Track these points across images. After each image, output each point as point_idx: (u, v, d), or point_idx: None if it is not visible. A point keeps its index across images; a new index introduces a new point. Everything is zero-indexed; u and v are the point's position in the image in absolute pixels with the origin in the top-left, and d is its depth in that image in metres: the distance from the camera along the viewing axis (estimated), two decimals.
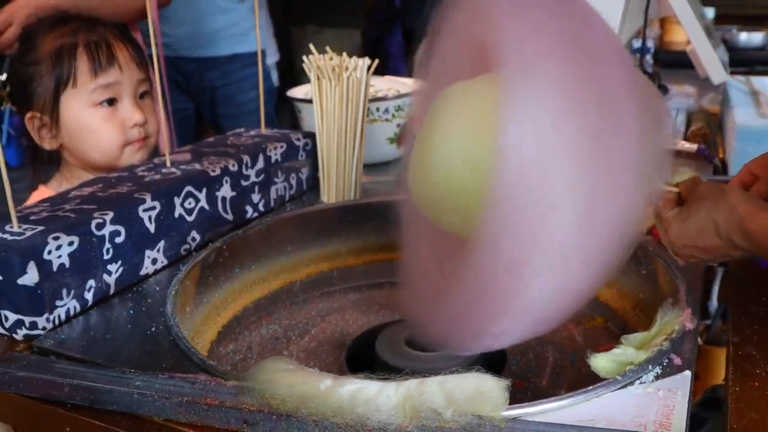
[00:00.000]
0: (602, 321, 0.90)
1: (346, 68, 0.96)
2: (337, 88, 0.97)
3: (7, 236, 0.69)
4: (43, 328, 0.68)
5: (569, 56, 0.52)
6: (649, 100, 0.59)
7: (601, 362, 0.61)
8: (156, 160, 0.94)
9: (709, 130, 1.28)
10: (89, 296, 0.73)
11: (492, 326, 0.57)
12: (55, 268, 0.68)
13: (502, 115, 0.50)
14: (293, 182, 1.05)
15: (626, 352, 0.61)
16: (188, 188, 0.85)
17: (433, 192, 0.61)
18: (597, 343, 0.87)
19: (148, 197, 0.79)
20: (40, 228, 0.71)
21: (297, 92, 1.27)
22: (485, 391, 0.51)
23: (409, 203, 0.69)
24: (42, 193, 1.06)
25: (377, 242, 1.03)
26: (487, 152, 0.53)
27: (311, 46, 1.02)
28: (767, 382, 0.58)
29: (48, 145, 1.05)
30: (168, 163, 0.91)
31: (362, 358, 0.83)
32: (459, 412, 0.50)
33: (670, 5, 1.42)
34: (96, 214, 0.74)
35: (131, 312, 0.73)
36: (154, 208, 0.80)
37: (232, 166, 0.92)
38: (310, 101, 1.18)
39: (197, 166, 0.90)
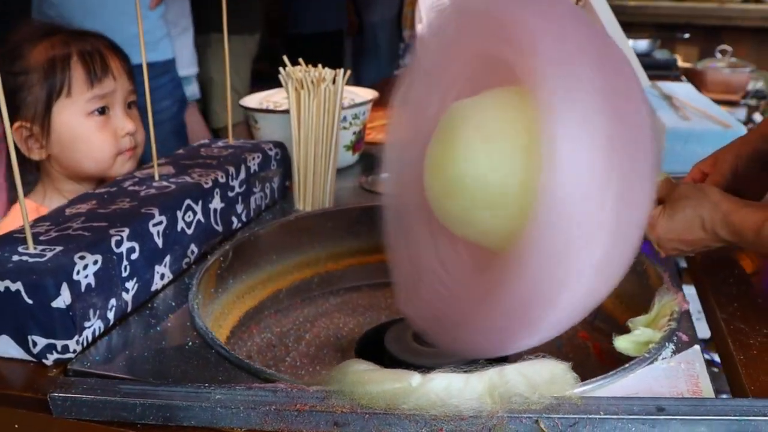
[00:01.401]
0: None
1: (324, 79, 0.99)
2: (315, 99, 0.99)
3: (28, 258, 0.66)
4: (73, 351, 0.66)
5: (607, 84, 0.53)
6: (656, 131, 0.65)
7: (624, 343, 0.69)
8: (139, 174, 0.92)
9: None
10: (111, 315, 0.72)
11: (519, 339, 0.59)
12: (83, 289, 0.67)
13: (552, 136, 0.50)
14: (267, 192, 1.06)
15: (645, 332, 0.69)
16: (188, 201, 0.84)
17: (457, 203, 0.61)
18: (572, 329, 0.95)
19: (156, 212, 0.78)
20: (60, 248, 0.69)
21: (249, 102, 1.27)
22: (558, 374, 0.57)
23: (403, 210, 0.71)
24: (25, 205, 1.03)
25: (354, 247, 1.07)
26: (526, 167, 0.54)
27: (285, 58, 1.03)
28: (763, 349, 0.67)
29: (36, 155, 1.03)
30: (156, 176, 0.89)
31: (371, 357, 0.86)
32: (541, 395, 0.55)
33: None
34: (112, 231, 0.73)
35: (158, 328, 0.72)
36: (161, 222, 0.79)
37: (221, 178, 0.92)
38: (266, 111, 1.20)
39: (188, 178, 0.89)
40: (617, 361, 0.86)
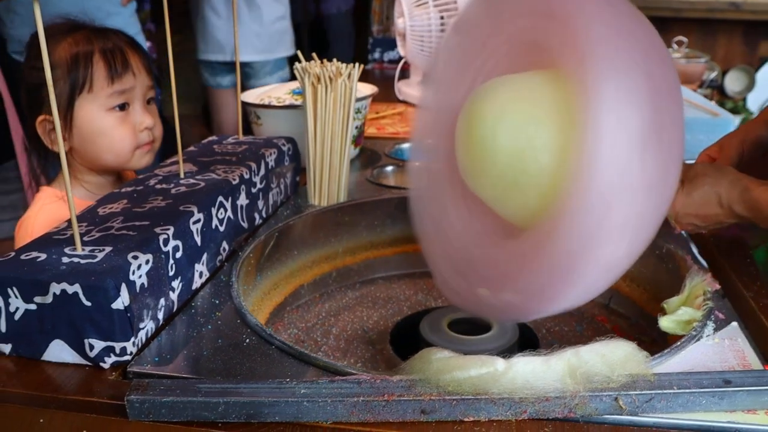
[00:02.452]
0: None
1: (340, 74, 0.99)
2: (332, 93, 0.99)
3: (79, 260, 0.65)
4: (130, 353, 0.65)
5: (653, 69, 0.54)
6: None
7: (668, 323, 0.72)
8: (160, 172, 0.91)
9: None
10: (161, 315, 0.71)
11: (554, 303, 0.58)
12: (137, 289, 0.66)
13: (594, 116, 0.51)
14: (282, 187, 1.06)
15: (687, 311, 0.72)
16: (220, 198, 0.83)
17: (488, 177, 0.61)
18: (590, 313, 0.99)
19: (194, 209, 0.78)
20: (109, 248, 0.67)
21: (248, 97, 1.26)
22: (630, 353, 0.59)
23: (434, 183, 0.71)
24: (48, 193, 1.07)
25: (370, 240, 1.07)
26: (563, 144, 0.55)
27: (299, 53, 1.03)
28: None
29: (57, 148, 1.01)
30: (182, 174, 0.88)
31: (407, 346, 0.87)
32: (618, 374, 0.57)
33: None
34: (158, 230, 0.72)
35: (209, 327, 0.71)
36: (199, 220, 0.78)
37: (246, 174, 0.91)
38: (268, 107, 1.19)
39: (213, 175, 0.89)
40: (638, 341, 0.90)
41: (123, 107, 1.05)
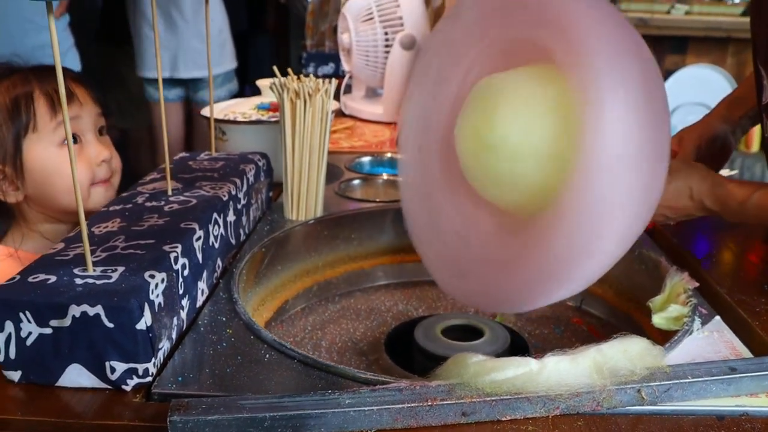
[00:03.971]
0: None
1: (318, 89, 1.00)
2: (310, 109, 1.00)
3: (94, 281, 0.63)
4: (151, 374, 0.64)
5: (644, 66, 0.57)
6: None
7: (660, 320, 0.77)
8: (144, 189, 0.89)
9: None
10: (174, 335, 0.69)
11: (550, 294, 0.61)
12: (156, 309, 0.64)
13: (592, 111, 0.53)
14: (259, 203, 1.05)
15: (676, 308, 0.77)
16: (214, 215, 0.83)
17: (494, 167, 0.62)
18: (564, 316, 1.03)
19: (196, 226, 0.77)
20: (122, 268, 0.66)
21: (208, 111, 1.24)
22: (646, 347, 0.63)
23: (426, 178, 0.72)
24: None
25: (346, 254, 1.09)
26: (562, 135, 0.57)
27: (274, 68, 1.03)
28: (767, 309, 0.78)
29: (12, 197, 0.97)
30: (169, 191, 0.87)
31: (402, 354, 0.88)
32: (639, 367, 0.61)
33: None
34: (166, 248, 0.70)
35: (224, 344, 0.70)
36: (200, 237, 0.77)
37: (232, 190, 0.90)
38: (236, 122, 1.19)
39: (202, 192, 0.88)
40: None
41: (75, 140, 0.98)
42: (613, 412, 0.60)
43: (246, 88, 3.13)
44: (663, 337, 0.75)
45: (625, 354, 0.61)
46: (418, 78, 0.73)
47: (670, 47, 3.08)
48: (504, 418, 0.59)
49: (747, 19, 2.82)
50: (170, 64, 2.52)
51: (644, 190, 0.57)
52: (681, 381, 0.61)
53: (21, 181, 0.96)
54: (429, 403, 0.57)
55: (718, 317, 0.77)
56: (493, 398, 0.58)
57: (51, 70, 0.98)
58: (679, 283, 0.83)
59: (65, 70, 1.02)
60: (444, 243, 0.71)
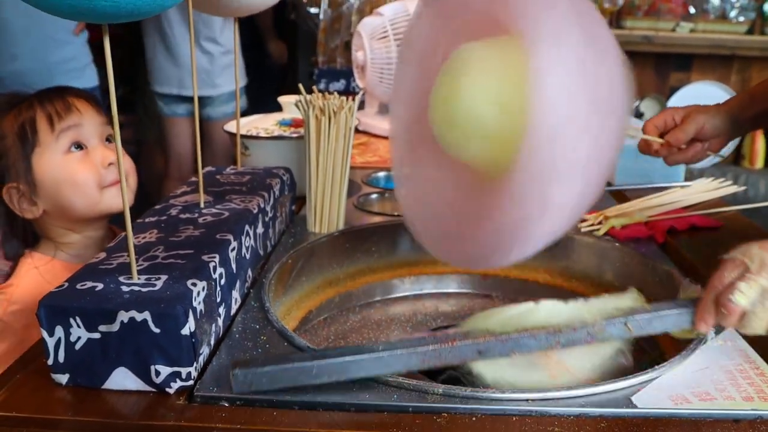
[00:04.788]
0: None
1: (342, 107, 1.04)
2: (334, 126, 1.04)
3: (140, 288, 0.67)
4: (193, 378, 0.67)
5: (586, 32, 0.61)
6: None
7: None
8: (176, 202, 0.92)
9: None
10: (212, 341, 0.73)
11: (513, 250, 0.66)
12: (198, 315, 0.68)
13: (538, 68, 0.58)
14: (283, 216, 1.09)
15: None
16: (246, 227, 0.86)
17: (459, 133, 0.68)
18: None
19: (231, 237, 0.80)
20: (165, 276, 0.69)
21: (232, 128, 1.28)
22: (627, 294, 0.76)
23: (410, 138, 0.79)
24: (36, 259, 1.03)
25: (367, 266, 1.12)
26: (521, 97, 0.60)
27: (300, 86, 1.07)
28: None
29: (30, 214, 1.01)
30: (202, 203, 0.90)
31: None
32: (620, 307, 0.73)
33: None
34: (205, 258, 0.74)
35: (259, 350, 0.74)
36: (234, 248, 0.81)
37: (261, 203, 0.94)
38: (256, 138, 1.22)
39: (233, 205, 0.91)
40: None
41: (80, 147, 1.00)
42: (635, 414, 0.64)
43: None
44: (677, 347, 0.78)
45: (606, 302, 0.74)
46: (402, 60, 0.80)
47: (674, 65, 3.13)
48: (513, 354, 0.68)
49: (751, 37, 2.86)
50: (177, 82, 2.57)
51: (596, 146, 0.60)
52: (661, 313, 0.72)
53: (36, 197, 0.99)
54: (450, 344, 0.67)
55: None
56: (502, 337, 0.68)
57: (51, 91, 1.03)
58: (692, 294, 0.87)
59: (69, 88, 1.06)
60: (427, 209, 0.78)
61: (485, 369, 0.71)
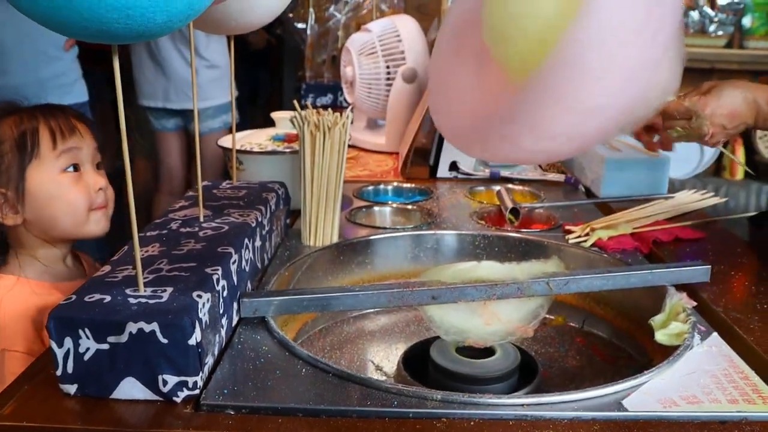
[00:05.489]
0: (562, 319, 1.12)
1: (336, 122, 1.07)
2: (329, 141, 1.06)
3: (147, 300, 0.69)
4: (199, 387, 0.69)
5: None
6: None
7: (663, 337, 0.83)
8: (176, 216, 0.94)
9: (560, 163, 1.61)
10: (216, 351, 0.75)
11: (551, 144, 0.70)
12: (204, 326, 0.70)
13: None
14: (279, 230, 1.11)
15: (677, 326, 0.83)
16: (245, 240, 0.88)
17: (507, 28, 0.73)
18: (569, 335, 1.09)
19: (232, 250, 0.82)
20: (170, 288, 0.71)
21: (227, 143, 1.31)
22: (551, 262, 0.91)
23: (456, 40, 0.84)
24: (6, 281, 1.04)
25: (360, 277, 1.14)
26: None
27: (294, 102, 1.10)
28: (763, 330, 0.84)
29: (11, 221, 1.04)
30: (201, 217, 0.92)
31: (418, 368, 0.94)
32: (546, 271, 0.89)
33: None
34: (209, 270, 0.76)
35: (262, 360, 0.76)
36: (235, 261, 0.83)
37: (258, 217, 0.96)
38: (250, 152, 1.25)
39: (231, 218, 0.93)
40: (615, 358, 1.02)
41: (75, 168, 1.05)
42: (626, 417, 0.66)
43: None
44: (665, 354, 0.81)
45: (533, 266, 0.89)
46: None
47: None
48: (459, 301, 0.85)
49: (730, 51, 2.91)
50: (163, 95, 2.59)
51: (634, 59, 0.62)
52: (575, 277, 0.87)
53: (21, 206, 1.03)
54: (410, 289, 0.84)
55: (715, 333, 0.83)
56: (451, 286, 0.84)
57: (55, 108, 1.08)
58: (678, 303, 0.90)
59: (70, 107, 1.11)
60: (454, 104, 0.84)
61: (435, 312, 0.86)
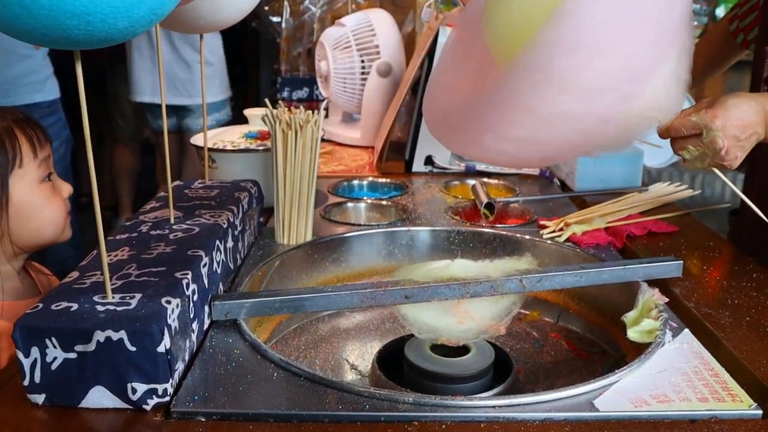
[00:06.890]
0: (537, 314, 1.13)
1: (308, 120, 1.06)
2: (301, 139, 1.05)
3: (114, 307, 0.68)
4: (169, 394, 0.68)
5: None
6: None
7: (635, 334, 0.83)
8: (146, 218, 0.93)
9: None
10: (186, 356, 0.74)
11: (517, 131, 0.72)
12: (173, 332, 0.69)
13: None
14: (252, 229, 1.10)
15: (649, 323, 0.84)
16: (217, 242, 0.87)
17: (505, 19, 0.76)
18: (543, 331, 1.10)
19: (202, 253, 0.81)
20: (139, 295, 0.70)
21: (199, 141, 1.29)
22: (523, 260, 0.91)
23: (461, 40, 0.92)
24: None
25: (335, 275, 1.14)
26: None
27: (266, 100, 1.09)
28: (734, 326, 0.85)
29: None
30: (172, 219, 0.91)
31: (392, 367, 0.93)
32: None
33: None
34: (178, 275, 0.75)
35: (234, 364, 0.75)
36: (206, 264, 0.82)
37: (230, 218, 0.95)
38: (223, 150, 1.23)
39: (203, 220, 0.92)
40: (589, 353, 1.02)
41: (49, 177, 1.04)
42: (597, 417, 0.67)
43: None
44: (638, 349, 0.82)
45: (506, 263, 0.89)
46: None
47: None
48: (432, 300, 0.85)
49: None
50: (151, 89, 2.56)
51: (609, 69, 0.64)
52: (548, 274, 0.88)
53: (3, 214, 0.99)
54: (383, 289, 0.83)
55: (687, 330, 0.84)
56: (424, 285, 0.84)
57: (26, 116, 1.04)
58: (650, 299, 0.90)
59: (15, 108, 1.07)
60: (446, 98, 0.89)
61: (409, 311, 0.85)
